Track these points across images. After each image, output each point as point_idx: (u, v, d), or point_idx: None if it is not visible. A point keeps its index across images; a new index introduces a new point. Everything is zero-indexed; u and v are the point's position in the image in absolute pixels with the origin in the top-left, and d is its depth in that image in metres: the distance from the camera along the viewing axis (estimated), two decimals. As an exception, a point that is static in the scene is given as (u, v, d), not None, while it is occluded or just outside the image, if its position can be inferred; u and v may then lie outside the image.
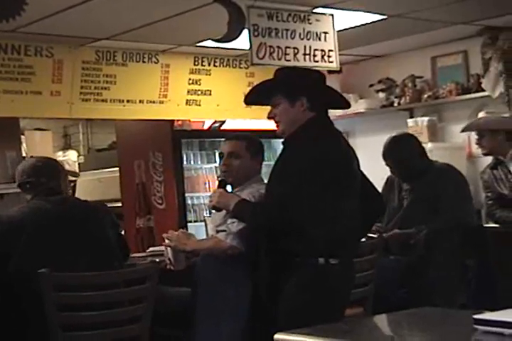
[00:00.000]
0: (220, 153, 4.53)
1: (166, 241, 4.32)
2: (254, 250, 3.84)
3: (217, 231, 4.24)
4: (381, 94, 8.00)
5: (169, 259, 4.33)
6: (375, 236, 5.17)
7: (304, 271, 3.53)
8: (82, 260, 3.83)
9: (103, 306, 3.76)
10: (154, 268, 3.97)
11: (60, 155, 10.76)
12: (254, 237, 3.89)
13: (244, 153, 4.34)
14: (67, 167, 10.39)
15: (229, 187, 4.24)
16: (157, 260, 4.33)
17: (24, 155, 8.62)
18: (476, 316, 2.26)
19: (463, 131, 6.14)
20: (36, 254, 3.76)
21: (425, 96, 7.65)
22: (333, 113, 5.15)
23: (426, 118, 7.57)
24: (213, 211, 4.34)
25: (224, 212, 4.09)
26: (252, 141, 4.43)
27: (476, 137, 5.91)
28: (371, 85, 8.10)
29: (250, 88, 4.10)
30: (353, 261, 3.74)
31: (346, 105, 4.00)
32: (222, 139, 4.63)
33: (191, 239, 4.34)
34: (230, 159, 4.34)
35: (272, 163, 3.85)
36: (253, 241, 3.92)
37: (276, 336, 2.45)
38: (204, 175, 8.32)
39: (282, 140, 3.82)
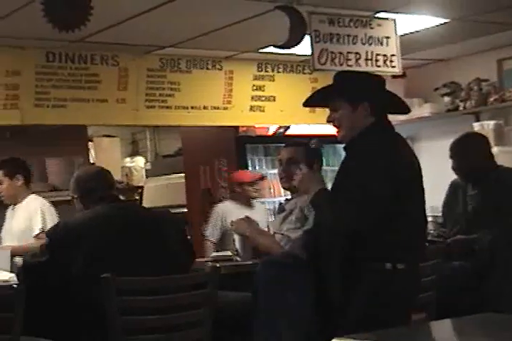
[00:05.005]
0: (278, 160, 4.57)
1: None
2: (315, 256, 3.86)
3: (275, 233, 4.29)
4: (446, 98, 7.93)
5: (236, 250, 4.40)
6: (439, 240, 5.15)
7: (371, 276, 3.54)
8: (144, 267, 3.87)
9: (165, 310, 3.80)
10: (215, 273, 4.00)
11: (127, 161, 10.91)
12: (315, 243, 3.91)
13: (302, 159, 4.36)
14: (134, 173, 10.56)
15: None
16: (217, 265, 4.37)
17: (92, 161, 8.79)
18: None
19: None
20: (99, 260, 3.82)
21: (491, 99, 7.56)
22: (397, 117, 5.15)
23: (492, 122, 7.48)
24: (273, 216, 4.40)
25: (282, 216, 4.12)
26: (310, 147, 4.45)
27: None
28: (436, 89, 8.03)
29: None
30: (418, 265, 3.73)
31: (406, 110, 3.98)
32: (287, 145, 4.69)
33: (253, 225, 4.41)
34: (288, 165, 4.36)
35: (337, 168, 3.85)
36: (314, 247, 3.94)
37: (335, 341, 2.45)
38: (269, 180, 8.33)
39: (344, 145, 3.83)
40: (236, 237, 4.50)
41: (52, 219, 5.75)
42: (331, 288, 3.71)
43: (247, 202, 6.72)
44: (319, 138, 3.95)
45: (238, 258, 4.44)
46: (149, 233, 4.01)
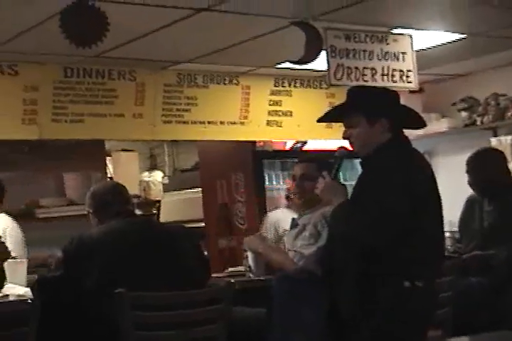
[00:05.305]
0: (292, 176, 4.59)
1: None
2: (329, 271, 3.85)
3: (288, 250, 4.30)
4: (463, 113, 7.91)
5: (249, 267, 4.41)
6: (455, 256, 5.13)
7: (387, 292, 3.51)
8: (158, 282, 3.88)
9: (179, 326, 3.80)
10: (229, 289, 4.01)
11: (145, 176, 10.92)
12: (330, 258, 3.90)
13: (316, 174, 4.36)
14: (152, 187, 10.58)
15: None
16: (232, 280, 4.37)
17: (110, 176, 8.82)
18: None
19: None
20: (112, 274, 3.84)
21: (509, 114, 7.54)
22: (414, 132, 5.13)
23: (510, 137, 7.45)
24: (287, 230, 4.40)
25: (295, 232, 4.12)
26: (323, 163, 4.46)
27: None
28: (453, 104, 8.02)
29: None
30: (435, 282, 3.70)
31: (422, 124, 3.94)
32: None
33: (265, 241, 4.42)
34: (302, 181, 4.37)
35: (354, 183, 3.80)
36: (328, 262, 3.93)
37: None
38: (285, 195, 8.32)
39: (360, 160, 3.81)
40: (249, 254, 4.52)
41: (15, 242, 5.53)
42: (344, 304, 3.68)
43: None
44: (345, 150, 3.82)
45: (251, 275, 4.46)
46: (163, 248, 4.02)
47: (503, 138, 7.51)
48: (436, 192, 3.69)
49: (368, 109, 3.69)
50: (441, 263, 3.83)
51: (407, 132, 3.82)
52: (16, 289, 4.37)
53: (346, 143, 3.80)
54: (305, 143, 8.12)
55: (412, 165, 3.64)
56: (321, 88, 7.79)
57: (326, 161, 4.50)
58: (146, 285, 3.78)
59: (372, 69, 5.81)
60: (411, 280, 3.51)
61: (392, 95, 3.86)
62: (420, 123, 3.92)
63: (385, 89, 4.14)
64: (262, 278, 4.61)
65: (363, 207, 3.52)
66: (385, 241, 3.47)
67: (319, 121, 4.00)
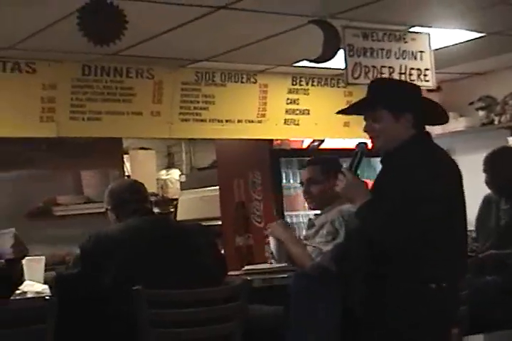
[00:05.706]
0: (300, 182, 4.60)
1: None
2: (345, 269, 3.85)
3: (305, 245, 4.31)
4: (481, 112, 7.89)
5: (271, 253, 4.44)
6: (472, 255, 5.12)
7: (411, 293, 3.45)
8: (175, 280, 3.88)
9: (195, 323, 3.82)
10: (246, 287, 4.01)
11: (163, 174, 10.94)
12: (346, 256, 3.90)
13: (321, 177, 4.37)
14: (169, 185, 10.59)
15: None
16: (249, 278, 4.38)
17: (127, 174, 8.84)
18: None
19: None
20: (129, 271, 3.86)
21: (527, 113, 7.52)
22: (432, 131, 5.09)
23: (528, 136, 7.44)
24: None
25: (312, 232, 4.12)
26: (328, 164, 4.44)
27: None
28: (471, 103, 8.00)
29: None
30: (459, 282, 3.64)
31: (445, 119, 3.86)
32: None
33: (287, 230, 4.43)
34: (309, 186, 4.37)
35: (371, 181, 3.73)
36: (344, 260, 3.94)
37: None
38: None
39: (380, 158, 3.73)
40: (271, 240, 4.55)
41: None
42: (359, 302, 3.65)
43: None
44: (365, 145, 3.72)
45: (273, 261, 4.49)
46: (180, 246, 4.03)
47: (520, 137, 7.49)
48: (461, 190, 3.57)
49: (393, 103, 3.59)
50: (466, 262, 3.75)
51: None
52: (35, 286, 4.40)
53: (364, 141, 3.74)
54: (322, 141, 8.12)
55: (436, 162, 3.56)
56: (338, 86, 7.78)
57: (333, 161, 4.49)
58: (163, 283, 3.80)
59: (390, 67, 5.81)
60: (437, 283, 3.46)
61: (415, 88, 3.77)
62: (443, 118, 3.81)
63: (407, 83, 4.09)
64: (279, 276, 4.63)
65: (383, 204, 3.43)
66: (407, 239, 3.40)
67: (340, 112, 3.86)
